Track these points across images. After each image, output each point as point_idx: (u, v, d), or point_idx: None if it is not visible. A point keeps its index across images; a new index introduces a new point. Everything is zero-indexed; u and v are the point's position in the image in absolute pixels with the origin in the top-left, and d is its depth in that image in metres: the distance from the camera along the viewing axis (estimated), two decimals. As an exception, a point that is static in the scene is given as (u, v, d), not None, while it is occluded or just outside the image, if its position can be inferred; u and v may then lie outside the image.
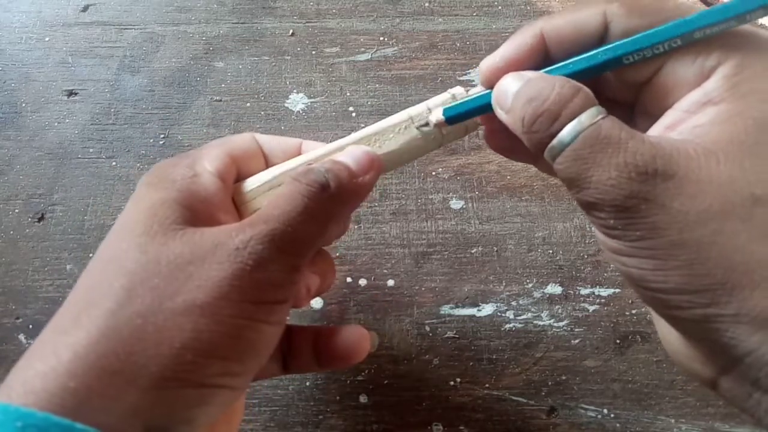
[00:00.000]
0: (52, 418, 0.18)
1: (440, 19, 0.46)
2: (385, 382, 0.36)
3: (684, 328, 0.20)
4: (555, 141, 0.20)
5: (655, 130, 0.21)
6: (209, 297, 0.20)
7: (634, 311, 0.37)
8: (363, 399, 0.35)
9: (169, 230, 0.22)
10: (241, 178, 0.27)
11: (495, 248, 0.39)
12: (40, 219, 0.40)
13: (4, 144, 0.42)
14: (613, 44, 0.21)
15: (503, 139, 0.25)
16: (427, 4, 0.47)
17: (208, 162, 0.25)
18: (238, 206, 0.26)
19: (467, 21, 0.46)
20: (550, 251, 0.39)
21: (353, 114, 0.43)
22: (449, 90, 0.26)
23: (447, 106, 0.25)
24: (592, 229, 0.39)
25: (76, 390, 0.19)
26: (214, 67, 0.44)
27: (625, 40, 0.21)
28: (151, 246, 0.21)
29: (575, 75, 0.22)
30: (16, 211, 0.40)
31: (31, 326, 0.37)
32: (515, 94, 0.22)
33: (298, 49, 0.45)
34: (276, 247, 0.22)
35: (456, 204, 0.40)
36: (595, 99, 0.20)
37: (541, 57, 0.23)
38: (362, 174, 0.25)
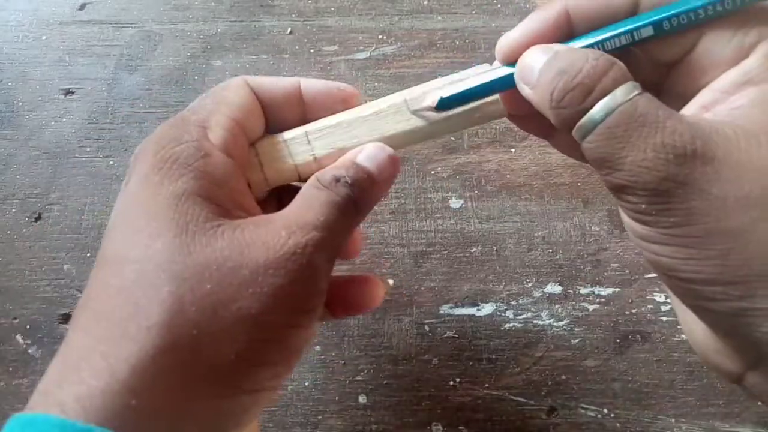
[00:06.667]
0: None
1: (439, 17, 0.46)
2: (385, 382, 0.36)
3: (713, 320, 0.19)
4: (586, 118, 0.19)
5: (689, 111, 0.20)
6: (264, 306, 0.20)
7: (634, 311, 0.37)
8: (362, 399, 0.35)
9: (207, 228, 0.20)
10: (249, 140, 0.25)
11: (494, 247, 0.39)
12: (37, 219, 0.39)
13: (0, 143, 0.42)
14: (650, 12, 0.20)
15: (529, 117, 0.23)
16: (426, 2, 0.46)
17: (213, 135, 0.23)
18: (261, 165, 0.25)
19: (466, 19, 0.46)
20: (550, 250, 0.39)
21: (352, 113, 0.43)
22: (454, 74, 0.24)
23: (443, 93, 0.23)
24: (592, 226, 0.38)
25: (139, 408, 0.18)
26: (211, 65, 0.44)
27: (665, 6, 0.20)
28: (194, 247, 0.20)
29: (605, 47, 0.21)
30: (13, 210, 0.40)
31: (28, 326, 0.36)
32: (543, 66, 0.20)
33: (297, 47, 0.45)
34: (327, 256, 0.21)
35: (455, 203, 0.40)
36: (629, 73, 0.19)
37: (565, 34, 0.22)
38: (383, 181, 0.23)
